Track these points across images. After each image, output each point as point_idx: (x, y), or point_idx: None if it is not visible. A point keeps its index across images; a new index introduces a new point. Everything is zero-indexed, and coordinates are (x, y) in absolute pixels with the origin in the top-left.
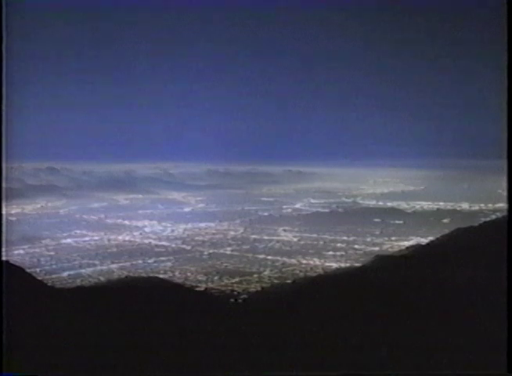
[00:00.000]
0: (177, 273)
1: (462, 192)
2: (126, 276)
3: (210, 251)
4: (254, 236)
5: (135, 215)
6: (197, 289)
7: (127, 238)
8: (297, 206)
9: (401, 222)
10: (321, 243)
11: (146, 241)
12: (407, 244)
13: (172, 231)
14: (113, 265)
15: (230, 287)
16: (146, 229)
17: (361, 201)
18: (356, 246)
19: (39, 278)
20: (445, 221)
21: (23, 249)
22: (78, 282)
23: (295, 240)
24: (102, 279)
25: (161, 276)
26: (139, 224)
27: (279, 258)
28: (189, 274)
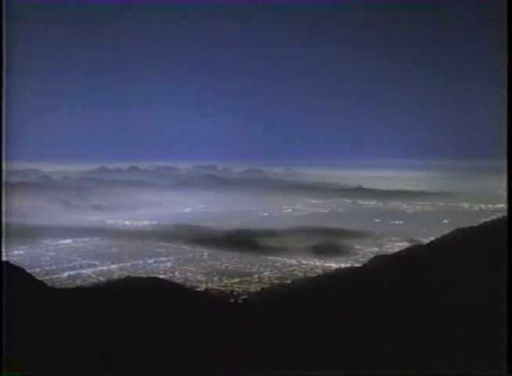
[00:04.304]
0: (177, 274)
1: (462, 192)
2: (126, 277)
3: (211, 251)
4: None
5: (135, 215)
6: (197, 289)
7: (127, 238)
8: (297, 206)
9: (401, 222)
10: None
11: (146, 241)
12: (407, 244)
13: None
14: (113, 266)
15: (230, 288)
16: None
17: (361, 201)
18: (356, 246)
19: (39, 278)
20: (445, 221)
21: (23, 249)
22: (78, 282)
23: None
24: (102, 279)
25: (161, 276)
26: (139, 224)
27: (279, 258)
28: (189, 274)
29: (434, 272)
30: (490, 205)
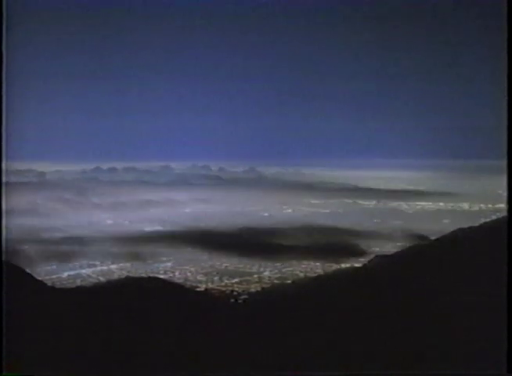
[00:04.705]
0: (177, 274)
1: (462, 192)
2: (126, 277)
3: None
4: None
5: (135, 215)
6: (197, 289)
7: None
8: (298, 206)
9: (401, 222)
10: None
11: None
12: (407, 244)
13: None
14: (113, 266)
15: (230, 288)
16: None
17: (361, 201)
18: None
19: (39, 278)
20: (445, 221)
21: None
22: (78, 282)
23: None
24: (102, 279)
25: (161, 276)
26: (139, 224)
27: (279, 258)
28: (189, 274)
29: (434, 272)
30: (490, 205)
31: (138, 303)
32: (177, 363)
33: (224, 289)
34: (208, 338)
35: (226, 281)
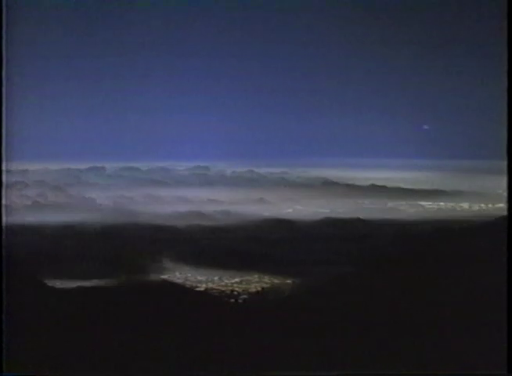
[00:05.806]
0: (177, 273)
1: (462, 192)
2: (126, 277)
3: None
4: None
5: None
6: (197, 289)
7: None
8: (298, 206)
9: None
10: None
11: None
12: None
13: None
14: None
15: (230, 288)
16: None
17: (361, 201)
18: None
19: (39, 278)
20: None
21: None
22: (78, 282)
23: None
24: (102, 279)
25: (161, 276)
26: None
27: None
28: (189, 274)
29: (434, 272)
30: (490, 205)
31: (137, 303)
32: (177, 363)
33: (224, 289)
34: (208, 338)
35: (226, 281)
